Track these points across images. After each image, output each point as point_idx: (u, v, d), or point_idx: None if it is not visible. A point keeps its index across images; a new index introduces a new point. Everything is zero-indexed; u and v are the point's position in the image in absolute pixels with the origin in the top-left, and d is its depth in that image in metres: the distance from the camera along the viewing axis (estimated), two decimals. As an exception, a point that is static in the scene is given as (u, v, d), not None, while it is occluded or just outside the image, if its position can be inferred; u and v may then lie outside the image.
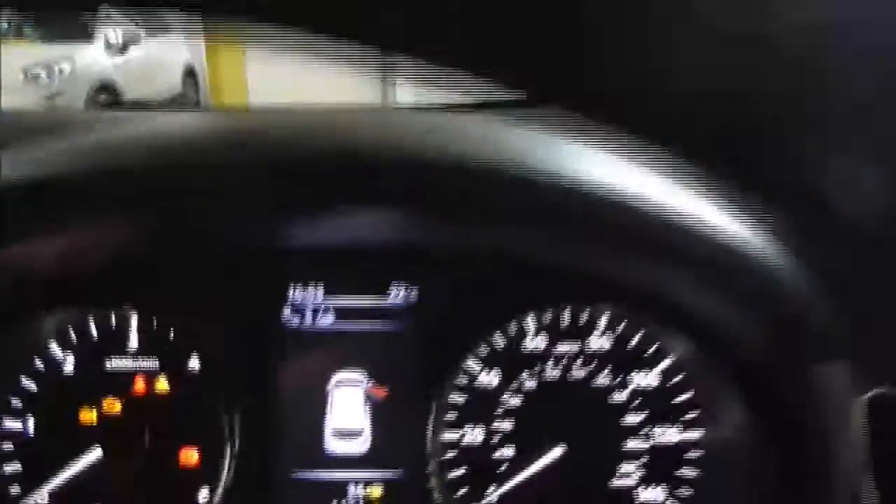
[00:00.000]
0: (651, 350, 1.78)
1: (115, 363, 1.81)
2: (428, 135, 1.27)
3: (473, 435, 1.76)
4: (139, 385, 1.79)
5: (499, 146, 1.27)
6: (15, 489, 1.77)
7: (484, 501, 1.72)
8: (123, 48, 13.29)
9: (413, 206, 1.33)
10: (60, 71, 11.78)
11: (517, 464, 1.73)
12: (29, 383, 1.80)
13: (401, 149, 1.24)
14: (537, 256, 1.55)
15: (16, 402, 1.80)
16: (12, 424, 1.79)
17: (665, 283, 1.43)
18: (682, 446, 1.75)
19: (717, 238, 1.27)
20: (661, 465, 1.74)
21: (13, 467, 1.78)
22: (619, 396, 1.76)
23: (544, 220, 1.30)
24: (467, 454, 1.75)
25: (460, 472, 1.75)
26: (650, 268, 1.39)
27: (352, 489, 1.73)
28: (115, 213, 1.23)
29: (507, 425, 1.76)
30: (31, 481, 1.75)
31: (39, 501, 1.75)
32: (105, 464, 1.75)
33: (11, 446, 1.79)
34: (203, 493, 1.74)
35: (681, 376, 1.77)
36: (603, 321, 1.78)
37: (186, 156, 1.19)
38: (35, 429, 1.80)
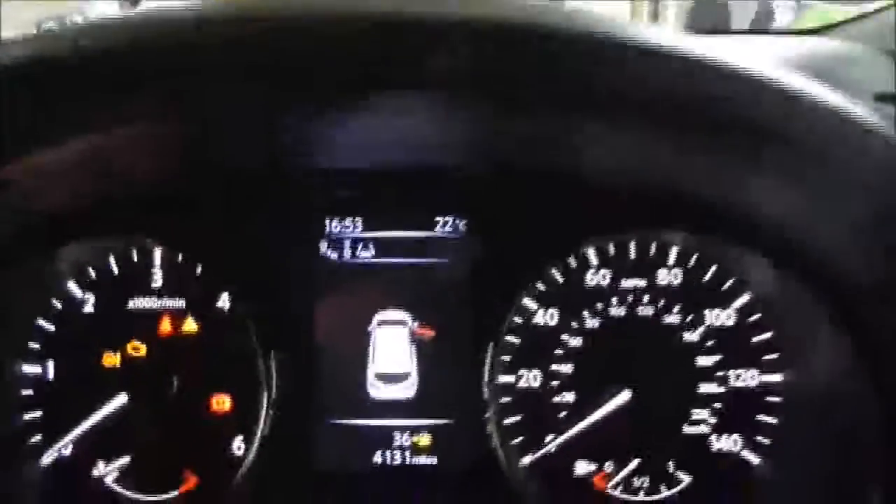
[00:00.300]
0: (726, 285, 1.60)
1: (138, 302, 1.66)
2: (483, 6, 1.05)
3: (530, 379, 1.61)
4: (165, 326, 1.65)
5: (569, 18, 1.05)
6: (37, 438, 1.64)
7: (542, 450, 1.57)
8: (135, 1, 13.05)
9: (461, 95, 1.12)
10: (73, 24, 11.58)
11: (578, 410, 1.58)
12: (47, 325, 1.67)
13: (446, 20, 1.03)
14: (601, 167, 1.36)
15: (34, 346, 1.66)
16: (31, 369, 1.66)
17: (752, 184, 1.22)
18: (761, 391, 1.59)
19: (822, 112, 1.05)
20: (737, 411, 1.59)
21: (34, 414, 1.65)
22: (691, 336, 1.60)
23: (615, 103, 1.09)
24: (524, 399, 1.60)
25: (516, 418, 1.60)
26: (734, 160, 1.16)
27: (397, 437, 1.59)
28: (128, 113, 1.05)
29: (567, 368, 1.60)
30: (53, 429, 1.63)
31: (63, 451, 1.63)
32: (131, 411, 1.62)
33: (31, 392, 1.66)
34: (237, 443, 1.61)
35: (759, 314, 1.60)
36: (673, 253, 1.61)
37: (196, 38, 1.01)
38: (56, 374, 1.66)
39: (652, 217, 1.52)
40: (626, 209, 1.50)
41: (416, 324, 1.61)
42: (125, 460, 1.63)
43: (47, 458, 1.62)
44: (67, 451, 1.63)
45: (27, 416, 1.65)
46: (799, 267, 1.39)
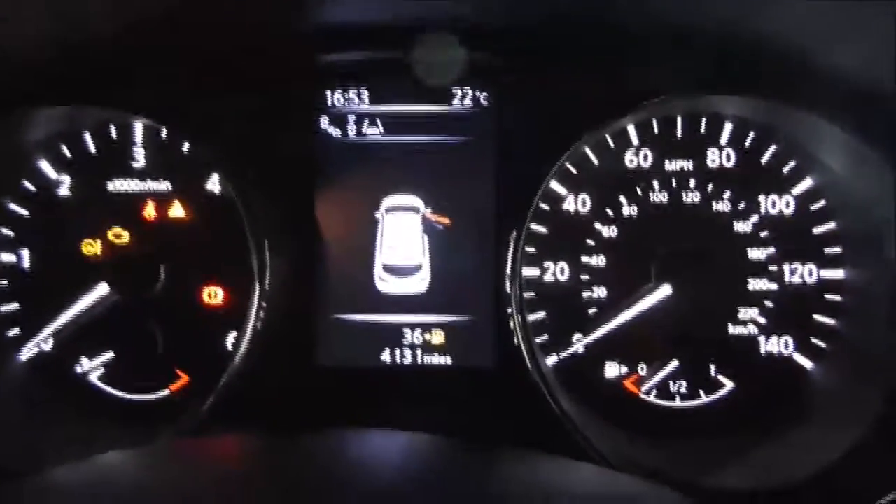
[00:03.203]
0: (787, 168, 1.40)
1: (118, 184, 1.49)
2: None
3: (557, 272, 1.43)
4: (149, 211, 1.48)
5: None
6: (14, 331, 1.50)
7: (568, 350, 1.41)
8: None
9: None
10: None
11: (610, 307, 1.41)
12: (19, 209, 1.50)
13: None
14: (648, 10, 1.14)
15: (6, 231, 1.50)
16: (6, 258, 1.50)
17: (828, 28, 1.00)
18: (820, 288, 1.41)
19: None
20: (791, 310, 1.41)
21: (10, 306, 1.51)
22: (743, 226, 1.40)
23: None
24: (550, 295, 1.43)
25: (540, 315, 1.43)
26: None
27: (408, 334, 1.43)
28: None
29: (599, 261, 1.42)
30: (31, 322, 1.48)
31: (43, 345, 1.49)
32: (115, 303, 1.47)
33: (6, 283, 1.51)
34: (230, 338, 1.46)
35: (822, 202, 1.40)
36: (727, 129, 1.40)
37: None
38: (32, 263, 1.51)
39: (705, 78, 1.29)
40: (675, 70, 1.28)
41: (429, 210, 1.43)
42: (110, 356, 1.49)
43: (27, 353, 1.48)
44: (48, 346, 1.49)
45: (3, 308, 1.50)
46: (878, 136, 1.19)
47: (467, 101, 1.42)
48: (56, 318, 1.45)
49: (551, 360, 1.43)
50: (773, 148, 1.39)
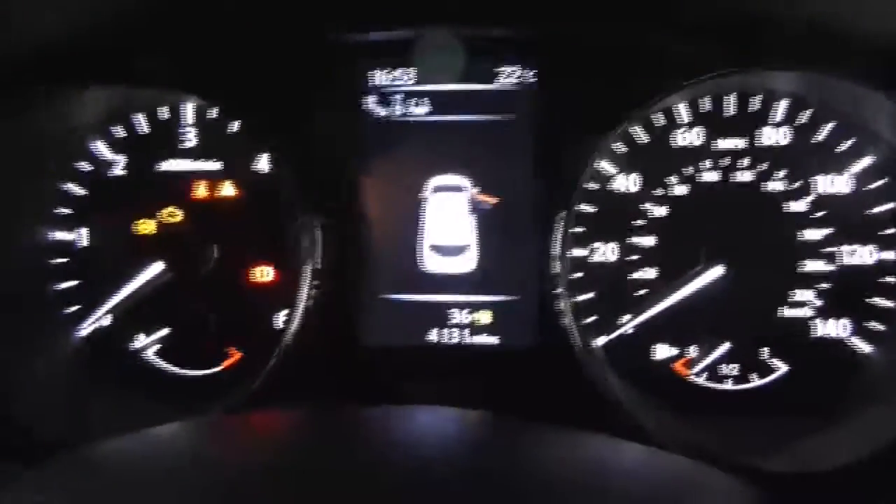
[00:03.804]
0: (844, 146, 1.36)
1: (170, 165, 1.52)
2: None
3: (606, 252, 1.41)
4: (200, 190, 1.51)
5: None
6: (73, 308, 1.55)
7: (617, 331, 1.40)
8: None
9: None
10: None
11: (660, 288, 1.39)
12: (76, 189, 1.54)
13: None
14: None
15: (64, 211, 1.54)
16: (64, 236, 1.55)
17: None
18: (877, 270, 1.36)
19: None
20: (847, 292, 1.37)
21: (69, 284, 1.56)
22: (797, 206, 1.37)
23: None
24: (598, 275, 1.41)
25: (589, 295, 1.42)
26: None
27: (455, 314, 1.43)
28: None
29: (648, 241, 1.40)
30: (89, 299, 1.53)
31: (101, 322, 1.53)
32: (170, 281, 1.50)
33: (65, 260, 1.55)
34: (280, 317, 1.49)
35: (882, 181, 1.35)
36: (781, 107, 1.36)
37: None
38: (89, 241, 1.55)
39: (754, 53, 1.25)
40: (724, 46, 1.25)
41: (476, 189, 1.42)
42: (165, 332, 1.53)
43: (85, 329, 1.53)
44: (106, 322, 1.54)
45: (62, 286, 1.55)
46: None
47: (513, 79, 1.40)
48: (113, 296, 1.50)
49: (600, 340, 1.41)
50: (829, 125, 1.35)
